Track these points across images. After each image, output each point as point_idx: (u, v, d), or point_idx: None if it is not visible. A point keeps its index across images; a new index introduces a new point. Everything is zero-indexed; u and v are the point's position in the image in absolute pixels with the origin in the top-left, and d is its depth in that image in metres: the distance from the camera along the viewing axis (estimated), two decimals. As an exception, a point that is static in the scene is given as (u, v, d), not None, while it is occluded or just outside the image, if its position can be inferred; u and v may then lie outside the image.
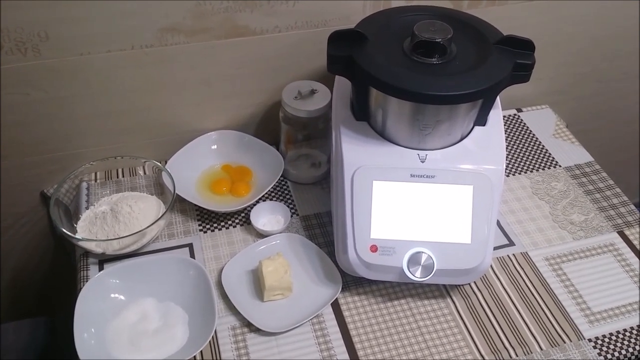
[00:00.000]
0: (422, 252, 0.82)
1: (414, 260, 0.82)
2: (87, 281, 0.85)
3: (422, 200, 0.84)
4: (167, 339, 0.81)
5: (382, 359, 0.82)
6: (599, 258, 0.96)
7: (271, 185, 0.99)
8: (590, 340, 0.85)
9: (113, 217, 0.93)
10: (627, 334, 0.86)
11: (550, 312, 0.88)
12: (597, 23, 1.18)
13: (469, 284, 0.91)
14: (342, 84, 0.92)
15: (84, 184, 1.02)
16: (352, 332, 0.85)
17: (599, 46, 1.20)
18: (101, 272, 0.87)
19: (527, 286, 0.92)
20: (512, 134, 1.19)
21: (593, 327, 0.87)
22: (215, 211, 0.99)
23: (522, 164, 1.12)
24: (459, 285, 0.91)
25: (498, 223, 1.00)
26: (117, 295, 0.86)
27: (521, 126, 1.21)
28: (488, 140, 0.87)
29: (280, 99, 1.00)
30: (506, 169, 1.11)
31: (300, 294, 0.88)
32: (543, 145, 1.16)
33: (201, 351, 0.81)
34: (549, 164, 1.13)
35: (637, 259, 0.96)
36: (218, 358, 0.81)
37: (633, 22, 1.21)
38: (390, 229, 0.83)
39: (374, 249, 0.83)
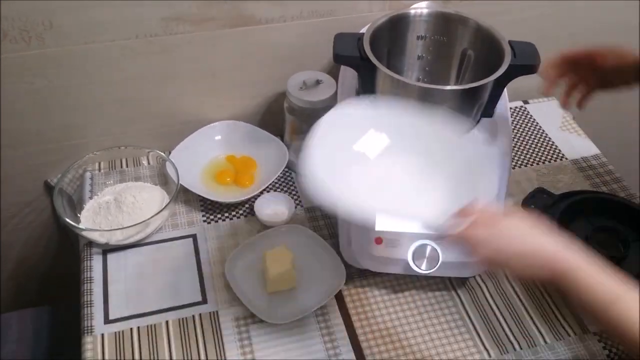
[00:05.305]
0: (428, 245, 0.82)
1: (419, 252, 0.82)
2: (91, 271, 0.85)
3: (427, 192, 0.83)
4: None
5: (385, 351, 0.81)
6: (604, 251, 0.96)
7: (275, 176, 0.99)
8: (595, 333, 0.85)
9: (117, 207, 0.93)
10: (633, 328, 0.86)
11: (555, 306, 0.88)
12: (602, 15, 1.17)
13: (474, 276, 0.91)
14: (348, 74, 0.91)
15: (88, 174, 1.01)
16: (356, 324, 0.84)
17: (604, 39, 1.19)
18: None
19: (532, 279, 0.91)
20: (518, 126, 1.18)
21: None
22: (219, 202, 0.99)
23: (528, 156, 1.12)
24: (463, 278, 0.90)
25: (503, 216, 0.99)
26: None
27: (528, 118, 1.20)
28: (495, 132, 0.86)
29: (285, 90, 0.99)
30: (512, 160, 1.10)
31: (304, 286, 0.88)
32: (549, 138, 1.16)
33: (205, 343, 0.81)
34: (555, 156, 1.12)
35: (643, 253, 0.95)
36: (222, 349, 0.81)
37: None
38: (395, 221, 0.83)
39: (378, 241, 0.82)
